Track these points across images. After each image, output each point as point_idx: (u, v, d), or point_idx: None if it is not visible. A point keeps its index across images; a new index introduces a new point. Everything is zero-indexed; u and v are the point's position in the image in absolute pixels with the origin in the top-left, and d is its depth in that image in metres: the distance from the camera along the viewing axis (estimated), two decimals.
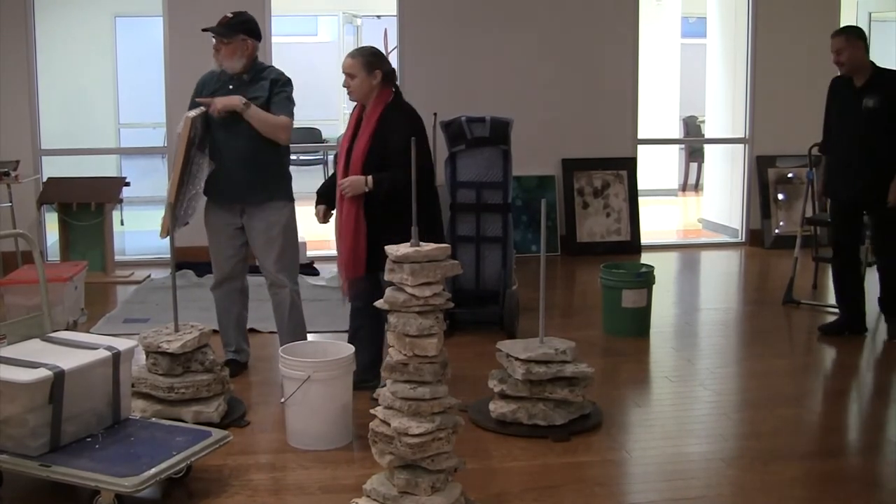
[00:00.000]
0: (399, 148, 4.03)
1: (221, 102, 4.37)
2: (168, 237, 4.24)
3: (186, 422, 3.79)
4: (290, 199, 4.63)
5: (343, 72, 4.21)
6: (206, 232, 4.67)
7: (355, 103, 4.32)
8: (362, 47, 4.36)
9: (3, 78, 7.29)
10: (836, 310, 5.68)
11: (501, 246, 5.56)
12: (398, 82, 4.35)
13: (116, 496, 3.11)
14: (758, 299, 6.65)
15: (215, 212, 4.61)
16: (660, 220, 9.62)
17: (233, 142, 4.44)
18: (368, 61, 4.17)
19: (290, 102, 4.52)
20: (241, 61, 4.48)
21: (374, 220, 4.18)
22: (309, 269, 7.13)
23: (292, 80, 4.58)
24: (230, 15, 4.49)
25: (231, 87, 4.48)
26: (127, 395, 3.62)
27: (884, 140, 5.19)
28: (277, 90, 4.47)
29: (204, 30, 4.49)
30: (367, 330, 4.41)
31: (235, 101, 4.37)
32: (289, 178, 4.65)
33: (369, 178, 4.11)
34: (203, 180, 4.43)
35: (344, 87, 4.23)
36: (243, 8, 4.63)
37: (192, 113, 4.35)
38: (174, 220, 4.25)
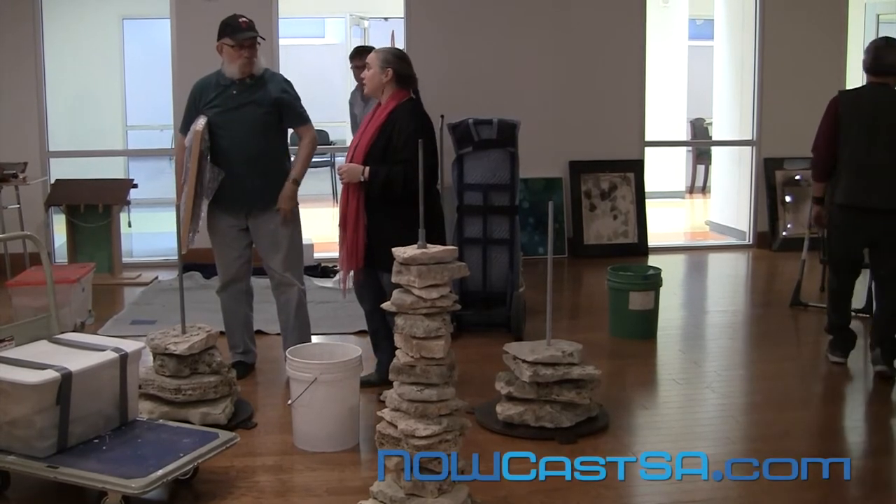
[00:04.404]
0: (401, 146, 4.09)
1: (288, 204, 4.51)
2: (188, 245, 4.35)
3: (193, 423, 3.80)
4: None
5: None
6: (209, 235, 4.68)
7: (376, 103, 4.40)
8: (393, 47, 4.51)
9: (11, 80, 7.31)
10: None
11: (508, 248, 5.55)
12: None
13: (123, 497, 3.12)
14: (765, 302, 6.63)
15: (219, 215, 4.61)
16: (667, 223, 9.59)
17: (239, 149, 4.46)
18: (384, 57, 4.26)
19: (303, 108, 4.61)
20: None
21: (373, 215, 4.24)
22: (317, 270, 7.11)
23: (295, 82, 4.65)
24: (246, 18, 4.49)
25: (234, 92, 4.49)
26: (134, 397, 3.62)
27: None
28: (289, 107, 4.53)
29: (252, 37, 4.41)
30: (384, 332, 4.45)
31: (292, 197, 4.52)
32: None
33: (366, 168, 4.15)
34: (213, 189, 4.45)
35: (360, 77, 4.46)
36: (252, 10, 4.64)
37: (200, 125, 4.37)
38: (194, 233, 4.30)
